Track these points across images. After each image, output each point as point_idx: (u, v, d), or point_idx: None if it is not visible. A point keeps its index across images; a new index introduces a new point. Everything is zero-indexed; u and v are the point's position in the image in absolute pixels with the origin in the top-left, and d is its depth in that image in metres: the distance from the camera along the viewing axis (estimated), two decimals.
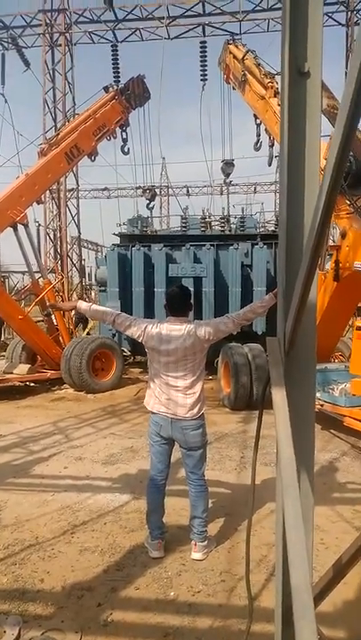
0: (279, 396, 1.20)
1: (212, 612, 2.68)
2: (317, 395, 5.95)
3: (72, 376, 8.41)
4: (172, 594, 2.86)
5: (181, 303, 3.17)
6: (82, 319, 13.37)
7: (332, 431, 5.98)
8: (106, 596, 2.84)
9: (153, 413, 3.26)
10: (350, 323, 9.16)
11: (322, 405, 5.85)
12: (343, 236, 5.99)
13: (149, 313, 9.21)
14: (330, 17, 13.73)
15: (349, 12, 13.29)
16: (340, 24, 13.66)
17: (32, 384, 9.08)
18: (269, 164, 10.10)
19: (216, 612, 2.68)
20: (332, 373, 6.25)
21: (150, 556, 3.26)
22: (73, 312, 10.33)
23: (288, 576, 0.87)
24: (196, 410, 3.14)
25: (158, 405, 3.20)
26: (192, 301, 3.28)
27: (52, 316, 9.52)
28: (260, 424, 1.61)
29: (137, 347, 9.96)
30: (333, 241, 6.50)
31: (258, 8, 13.84)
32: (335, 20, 13.76)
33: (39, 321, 9.68)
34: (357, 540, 1.17)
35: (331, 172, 0.95)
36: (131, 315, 3.49)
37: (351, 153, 5.98)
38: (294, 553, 0.82)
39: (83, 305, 3.30)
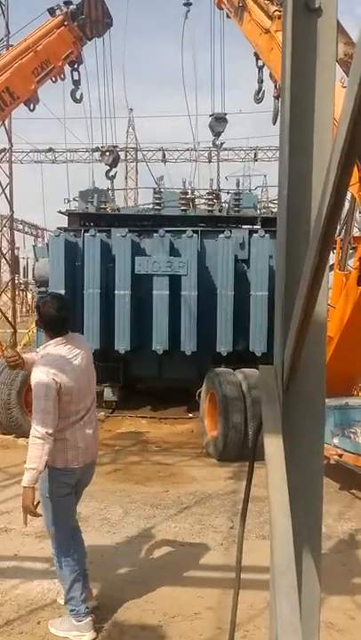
0: (273, 445, 1.20)
1: None
2: (335, 441, 6.01)
3: None
4: None
5: (65, 318, 3.47)
6: None
7: (353, 492, 6.03)
8: None
9: (69, 470, 3.40)
10: None
11: (340, 456, 5.90)
12: None
13: (108, 324, 9.13)
14: None
15: None
16: None
17: None
18: (274, 122, 10.18)
19: None
20: (355, 411, 6.32)
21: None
22: None
23: None
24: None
25: (76, 457, 3.41)
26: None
27: None
28: (250, 483, 1.62)
29: None
30: (359, 230, 6.62)
31: None
32: None
33: None
34: None
35: (343, 138, 0.96)
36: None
37: None
38: None
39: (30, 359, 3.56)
